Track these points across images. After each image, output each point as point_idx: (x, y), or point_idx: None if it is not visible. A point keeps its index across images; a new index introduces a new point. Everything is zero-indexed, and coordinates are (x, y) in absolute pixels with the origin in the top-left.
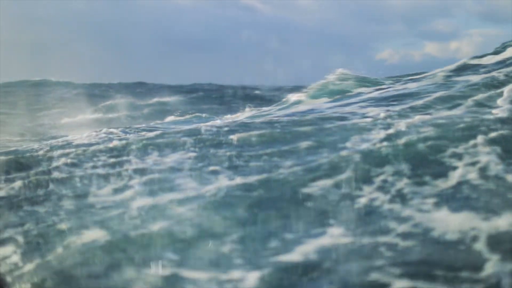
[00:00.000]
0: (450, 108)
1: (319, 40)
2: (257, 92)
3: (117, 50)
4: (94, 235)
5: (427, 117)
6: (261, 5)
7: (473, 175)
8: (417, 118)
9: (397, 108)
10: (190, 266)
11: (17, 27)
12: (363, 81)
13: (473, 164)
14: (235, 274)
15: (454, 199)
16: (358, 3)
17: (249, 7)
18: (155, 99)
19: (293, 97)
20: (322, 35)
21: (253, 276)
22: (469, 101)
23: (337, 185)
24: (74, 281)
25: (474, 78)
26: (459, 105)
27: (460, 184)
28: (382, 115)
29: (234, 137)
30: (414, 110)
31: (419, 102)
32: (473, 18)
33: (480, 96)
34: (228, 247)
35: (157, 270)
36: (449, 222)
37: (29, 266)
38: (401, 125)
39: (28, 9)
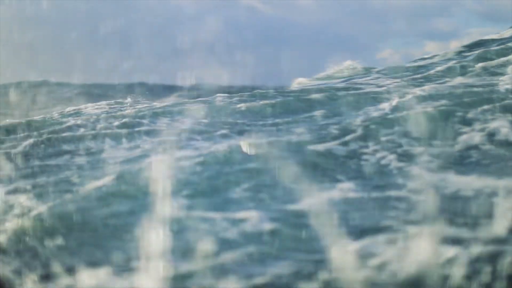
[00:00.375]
0: (462, 76)
1: (319, 40)
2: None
3: (117, 50)
4: (105, 184)
5: (439, 85)
6: (261, 5)
7: (482, 140)
8: (429, 86)
9: (410, 77)
10: (202, 209)
11: (17, 27)
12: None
13: (482, 129)
14: (246, 214)
15: (464, 161)
16: (358, 3)
17: (249, 7)
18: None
19: (297, 82)
20: (322, 35)
21: (263, 217)
22: (481, 69)
23: (346, 145)
24: (84, 222)
25: (488, 49)
26: (470, 73)
27: (469, 148)
28: (395, 84)
29: (247, 105)
30: (427, 79)
31: (431, 71)
32: (473, 17)
33: (492, 64)
34: (239, 195)
35: (170, 213)
36: (461, 181)
37: (41, 209)
38: (414, 92)
39: (27, 9)
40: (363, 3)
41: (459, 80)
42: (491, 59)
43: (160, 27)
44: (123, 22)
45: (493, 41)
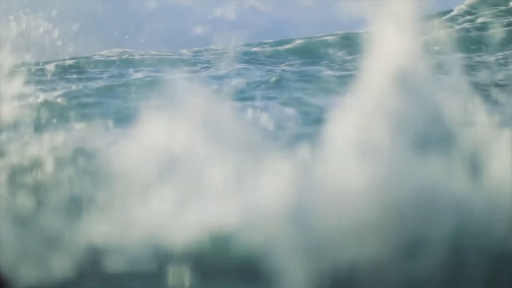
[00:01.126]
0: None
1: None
2: None
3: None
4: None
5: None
6: (261, 5)
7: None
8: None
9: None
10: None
11: (17, 27)
12: None
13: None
14: (267, 103)
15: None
16: (358, 2)
17: (249, 7)
18: None
19: None
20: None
21: (281, 108)
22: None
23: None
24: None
25: None
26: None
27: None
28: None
29: (270, 50)
30: (455, 17)
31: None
32: None
33: None
34: (260, 94)
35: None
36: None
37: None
38: (438, 34)
39: (27, 8)
40: (363, 2)
41: (483, 20)
42: None
43: (160, 27)
44: (122, 22)
45: None
